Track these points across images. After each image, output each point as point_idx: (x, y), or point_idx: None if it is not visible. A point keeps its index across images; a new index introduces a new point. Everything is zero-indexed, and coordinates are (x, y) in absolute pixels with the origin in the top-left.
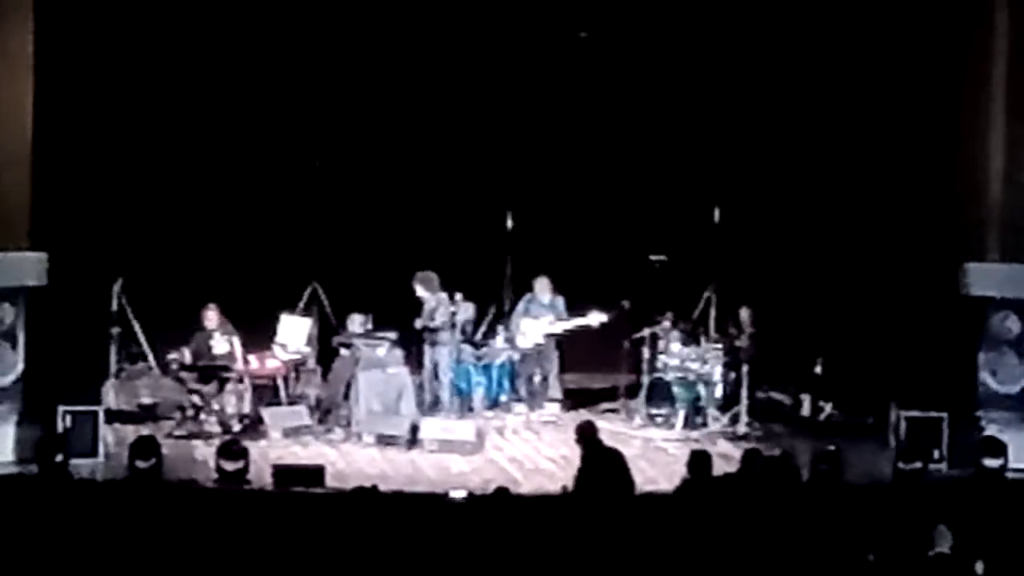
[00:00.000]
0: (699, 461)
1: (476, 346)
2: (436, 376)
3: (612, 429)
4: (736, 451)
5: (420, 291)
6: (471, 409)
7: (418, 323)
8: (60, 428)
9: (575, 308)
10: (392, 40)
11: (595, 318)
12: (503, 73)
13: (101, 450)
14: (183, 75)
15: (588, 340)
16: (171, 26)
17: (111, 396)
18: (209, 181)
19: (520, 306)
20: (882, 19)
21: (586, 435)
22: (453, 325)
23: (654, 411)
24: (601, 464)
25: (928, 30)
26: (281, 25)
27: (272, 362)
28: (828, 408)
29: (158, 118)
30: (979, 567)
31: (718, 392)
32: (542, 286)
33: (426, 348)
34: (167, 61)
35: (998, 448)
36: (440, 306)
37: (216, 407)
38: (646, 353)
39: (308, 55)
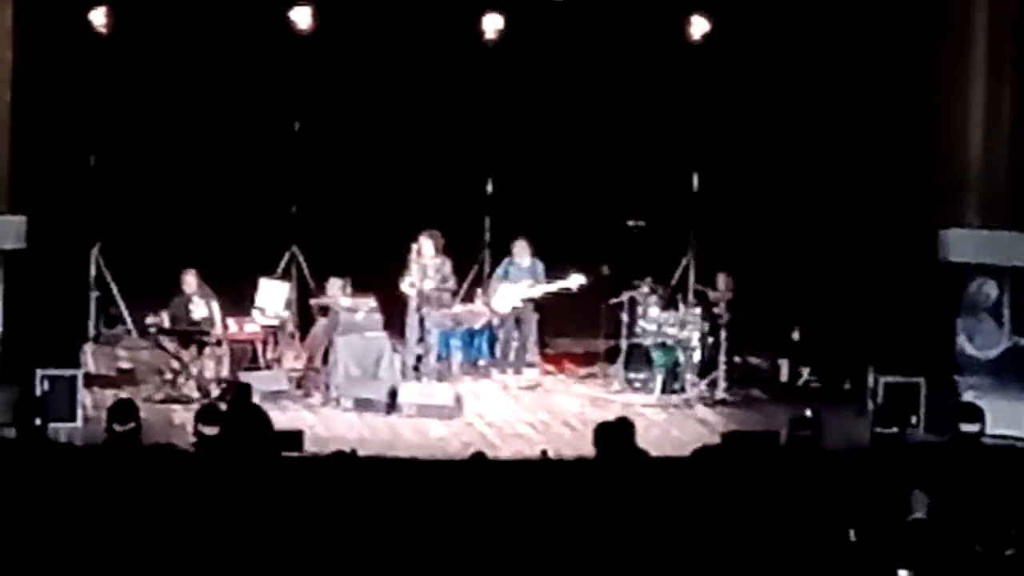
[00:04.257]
0: (606, 434)
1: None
2: (422, 339)
3: (591, 394)
4: (714, 416)
5: (430, 248)
6: (450, 373)
7: (447, 283)
8: (38, 392)
9: (553, 272)
10: (371, 5)
11: (574, 281)
12: (481, 38)
13: (79, 414)
14: (162, 38)
15: (567, 305)
16: None
17: (89, 360)
18: (187, 145)
19: (499, 270)
20: None
21: (234, 391)
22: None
23: (632, 376)
24: (248, 422)
25: None
26: None
27: (251, 326)
28: (806, 373)
29: (137, 82)
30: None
31: (696, 357)
32: (521, 249)
33: (412, 311)
34: (146, 24)
35: (975, 414)
36: (445, 267)
37: (194, 371)
38: (624, 318)
39: (286, 18)
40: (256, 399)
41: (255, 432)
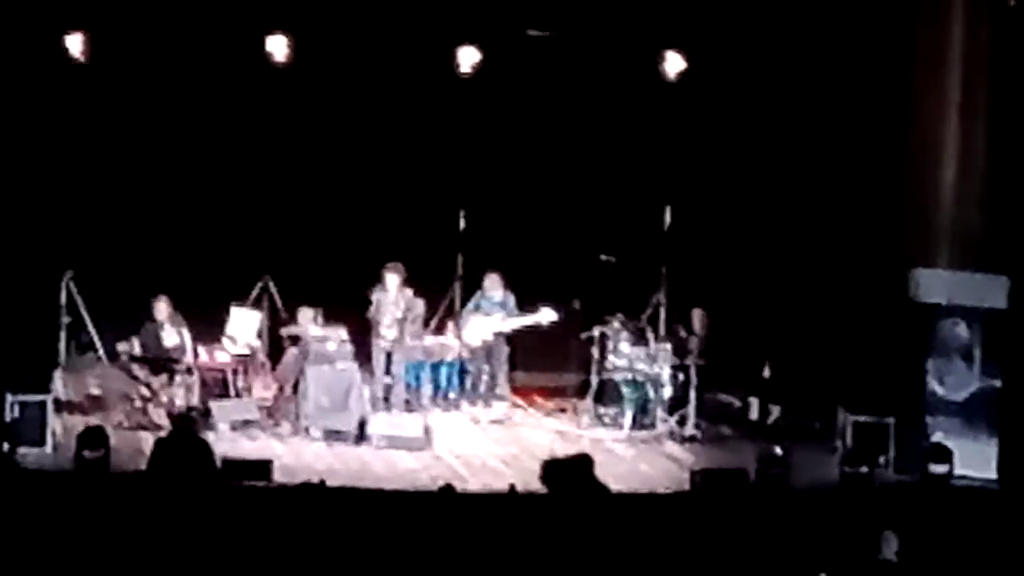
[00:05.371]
0: (552, 471)
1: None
2: (389, 371)
3: (560, 428)
4: (683, 453)
5: (395, 281)
6: (419, 405)
7: (415, 311)
8: (8, 417)
9: (525, 306)
10: (347, 37)
11: (545, 316)
12: (456, 71)
13: (49, 440)
14: (136, 67)
15: (537, 339)
16: (121, 16)
17: (60, 386)
18: (160, 172)
19: (471, 303)
20: (834, 20)
21: (178, 422)
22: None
23: (602, 411)
24: (186, 450)
25: (880, 29)
26: (235, 24)
27: (221, 355)
28: (776, 411)
29: (109, 109)
30: None
31: (667, 393)
32: (492, 282)
33: (382, 343)
34: (121, 53)
35: (944, 454)
36: (409, 296)
37: (164, 399)
38: (595, 353)
39: (262, 50)
40: (225, 428)
41: (196, 462)
